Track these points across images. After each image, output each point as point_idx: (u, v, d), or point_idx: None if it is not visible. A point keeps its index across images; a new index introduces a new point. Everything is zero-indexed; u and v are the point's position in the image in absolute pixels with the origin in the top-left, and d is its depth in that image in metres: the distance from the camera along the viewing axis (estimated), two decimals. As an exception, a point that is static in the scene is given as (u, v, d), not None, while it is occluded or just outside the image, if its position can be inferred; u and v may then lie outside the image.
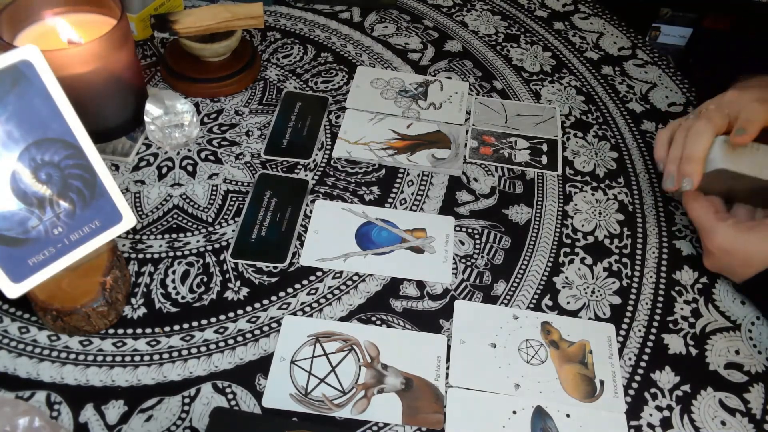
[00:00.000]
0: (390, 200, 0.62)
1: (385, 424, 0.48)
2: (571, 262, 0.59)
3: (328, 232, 0.59)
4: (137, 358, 0.50)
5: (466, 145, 0.68)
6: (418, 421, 0.48)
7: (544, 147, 0.68)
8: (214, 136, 0.66)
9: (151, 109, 0.63)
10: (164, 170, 0.63)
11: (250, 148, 0.65)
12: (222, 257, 0.57)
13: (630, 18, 0.86)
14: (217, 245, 0.57)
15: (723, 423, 0.49)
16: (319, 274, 0.56)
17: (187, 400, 0.48)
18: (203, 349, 0.51)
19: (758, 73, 0.58)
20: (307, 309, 0.54)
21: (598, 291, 0.57)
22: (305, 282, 0.55)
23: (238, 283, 0.55)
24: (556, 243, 0.60)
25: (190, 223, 0.59)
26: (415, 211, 0.62)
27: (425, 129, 0.69)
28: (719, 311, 0.56)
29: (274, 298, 0.54)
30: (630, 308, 0.56)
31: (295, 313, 0.53)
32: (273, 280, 0.55)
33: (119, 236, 0.53)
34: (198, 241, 0.58)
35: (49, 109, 0.45)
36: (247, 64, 0.71)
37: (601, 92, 0.75)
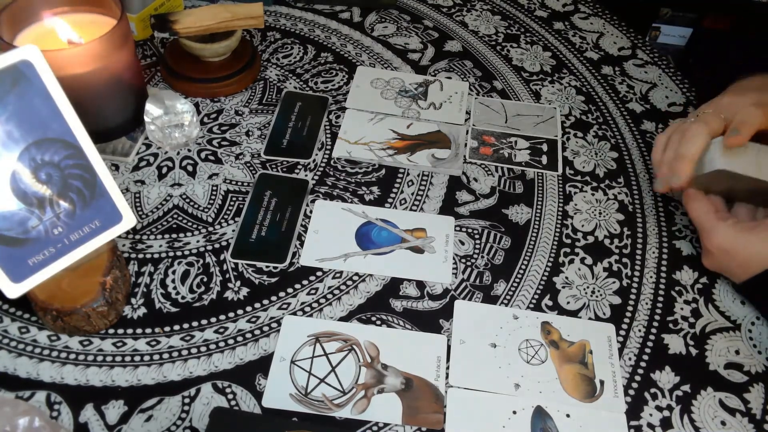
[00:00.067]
0: (390, 200, 0.62)
1: (385, 424, 0.48)
2: (571, 262, 0.59)
3: (328, 232, 0.59)
4: (137, 358, 0.50)
5: (466, 145, 0.68)
6: (418, 421, 0.48)
7: (544, 147, 0.68)
8: (214, 136, 0.66)
9: (151, 109, 0.63)
10: (164, 170, 0.63)
11: (250, 148, 0.65)
12: (222, 257, 0.57)
13: (630, 18, 0.86)
14: (217, 245, 0.57)
15: (723, 423, 0.49)
16: (319, 274, 0.56)
17: (187, 400, 0.48)
18: (203, 349, 0.51)
19: (757, 72, 0.59)
20: (307, 309, 0.54)
21: (598, 291, 0.57)
22: (305, 282, 0.55)
23: (238, 283, 0.55)
24: (556, 243, 0.60)
25: (190, 223, 0.59)
26: (415, 211, 0.62)
27: (425, 129, 0.69)
28: (719, 311, 0.56)
29: (274, 298, 0.54)
30: (630, 308, 0.56)
31: (295, 313, 0.53)
32: (273, 280, 0.55)
33: (119, 236, 0.53)
34: (198, 241, 0.58)
35: (49, 109, 0.45)
36: (247, 64, 0.71)
37: (601, 92, 0.75)
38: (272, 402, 0.48)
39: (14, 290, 0.46)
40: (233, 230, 0.58)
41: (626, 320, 0.55)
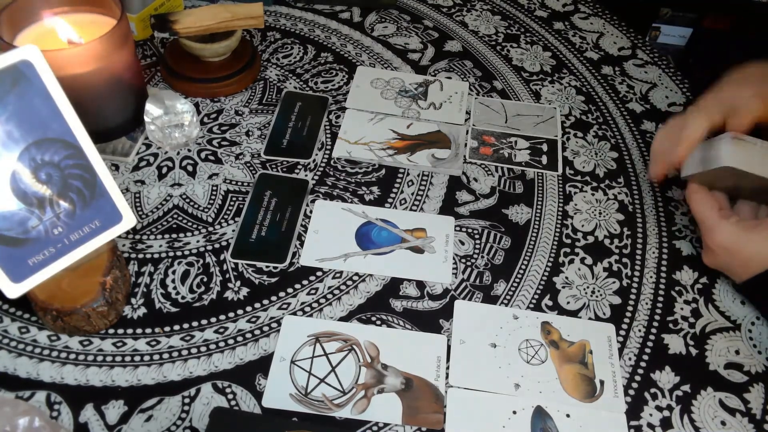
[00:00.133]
0: (390, 200, 0.62)
1: (385, 424, 0.48)
2: (571, 262, 0.59)
3: (328, 232, 0.59)
4: (137, 358, 0.50)
5: (466, 145, 0.68)
6: (418, 421, 0.48)
7: (544, 147, 0.68)
8: (214, 136, 0.66)
9: (151, 109, 0.63)
10: (164, 170, 0.63)
11: (250, 148, 0.65)
12: (222, 257, 0.57)
13: (630, 18, 0.86)
14: (217, 245, 0.57)
15: (723, 423, 0.49)
16: (319, 274, 0.56)
17: (187, 400, 0.48)
18: (203, 349, 0.51)
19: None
20: (307, 309, 0.54)
21: (598, 291, 0.57)
22: (305, 282, 0.55)
23: (238, 283, 0.55)
24: (556, 243, 0.60)
25: (190, 223, 0.59)
26: (415, 211, 0.62)
27: (425, 129, 0.69)
28: (719, 311, 0.56)
29: (274, 298, 0.54)
30: (630, 308, 0.56)
31: (295, 313, 0.53)
32: (273, 280, 0.55)
33: (119, 236, 0.53)
34: (198, 241, 0.58)
35: (49, 109, 0.45)
36: (247, 64, 0.71)
37: (601, 92, 0.75)
38: (272, 402, 0.48)
39: (14, 290, 0.45)
40: (233, 230, 0.58)
41: (626, 320, 0.55)
